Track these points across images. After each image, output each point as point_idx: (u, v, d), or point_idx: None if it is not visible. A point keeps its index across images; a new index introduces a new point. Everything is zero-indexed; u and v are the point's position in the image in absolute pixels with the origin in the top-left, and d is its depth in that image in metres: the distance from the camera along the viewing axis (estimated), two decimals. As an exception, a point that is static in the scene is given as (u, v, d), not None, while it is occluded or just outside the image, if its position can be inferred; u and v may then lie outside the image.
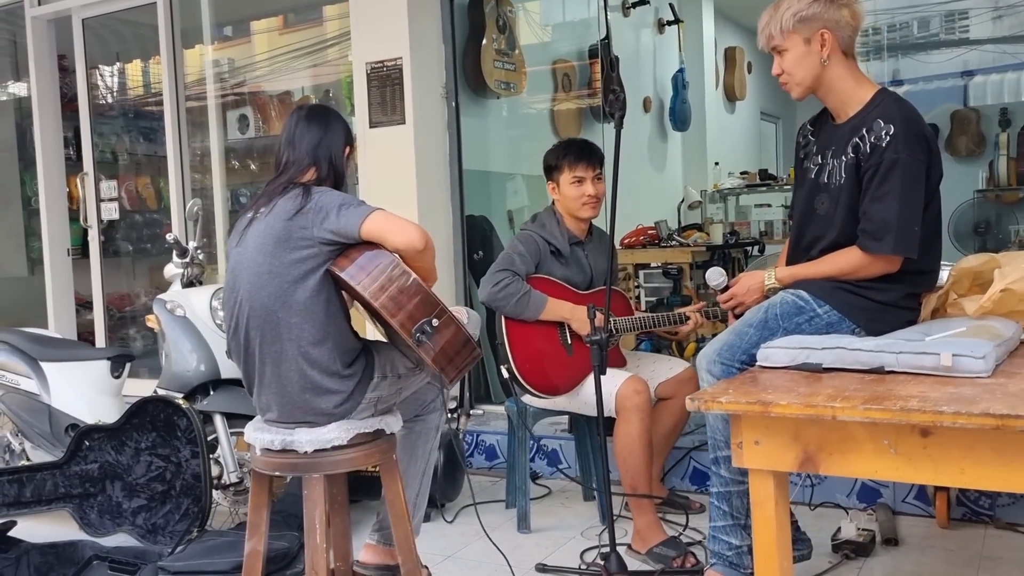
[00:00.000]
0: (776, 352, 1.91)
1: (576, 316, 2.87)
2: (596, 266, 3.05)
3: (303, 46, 4.99)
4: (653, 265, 5.16)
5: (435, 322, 2.03)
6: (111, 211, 5.10)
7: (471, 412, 3.68)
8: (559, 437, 3.66)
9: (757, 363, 1.95)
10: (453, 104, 4.11)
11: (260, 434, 2.12)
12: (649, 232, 5.35)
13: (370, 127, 3.99)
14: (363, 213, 2.03)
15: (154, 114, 5.29)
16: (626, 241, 5.33)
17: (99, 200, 5.12)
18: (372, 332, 2.50)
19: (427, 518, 3.18)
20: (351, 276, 2.05)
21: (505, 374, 2.87)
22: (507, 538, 3.01)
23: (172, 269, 3.23)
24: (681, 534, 2.89)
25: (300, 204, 2.07)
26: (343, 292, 2.19)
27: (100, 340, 5.07)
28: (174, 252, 3.18)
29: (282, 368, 2.08)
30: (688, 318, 2.98)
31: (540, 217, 3.05)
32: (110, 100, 5.68)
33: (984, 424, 1.42)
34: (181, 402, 2.71)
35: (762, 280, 2.26)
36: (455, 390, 3.54)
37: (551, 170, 3.03)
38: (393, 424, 2.21)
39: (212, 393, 3.02)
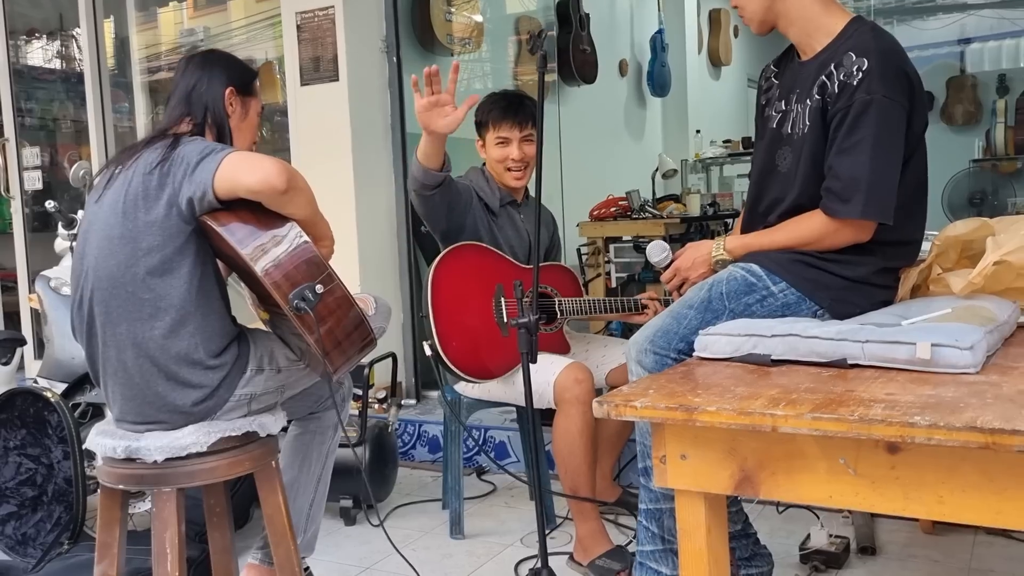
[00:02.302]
0: (717, 340, 1.55)
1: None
2: (535, 236, 2.69)
3: (276, 14, 4.62)
4: (625, 239, 4.80)
5: (319, 288, 1.66)
6: (34, 181, 4.72)
7: (403, 403, 3.32)
8: (508, 428, 3.32)
9: (695, 353, 1.59)
10: (395, 59, 3.71)
11: (102, 439, 1.76)
12: (620, 203, 4.96)
13: (301, 85, 3.61)
14: (217, 161, 1.66)
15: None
16: (596, 213, 4.95)
17: (22, 169, 4.74)
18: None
19: (352, 521, 2.84)
20: (229, 231, 1.67)
21: (428, 351, 2.51)
22: (437, 544, 2.68)
23: (60, 243, 2.86)
24: (631, 540, 2.55)
25: (162, 155, 1.72)
26: (218, 264, 1.83)
27: (25, 321, 4.71)
28: (59, 224, 2.80)
29: (129, 354, 1.72)
30: (645, 306, 2.62)
31: (468, 173, 2.72)
32: (53, 65, 5.31)
33: (969, 441, 1.07)
34: (51, 395, 2.35)
35: (709, 251, 1.89)
36: (386, 377, 3.18)
37: (479, 126, 2.68)
38: (269, 425, 1.85)
39: (103, 383, 2.66)
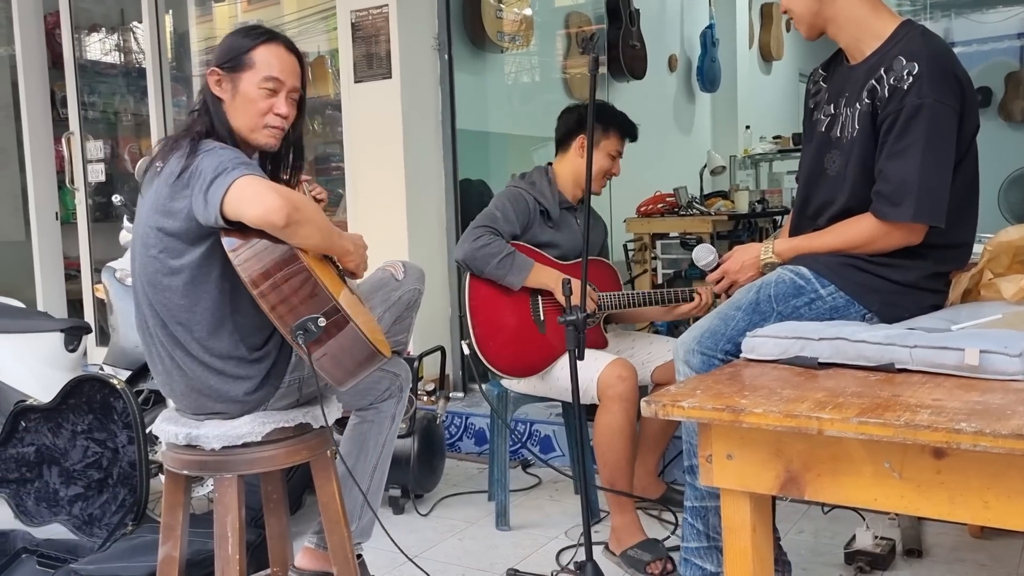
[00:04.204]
0: (764, 342, 1.57)
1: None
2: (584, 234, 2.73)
3: (329, 7, 4.71)
4: (672, 235, 4.80)
5: (321, 322, 1.68)
6: (97, 173, 4.87)
7: (450, 395, 3.38)
8: (553, 422, 3.36)
9: (742, 354, 1.61)
10: (446, 57, 3.77)
11: (166, 425, 1.84)
12: (667, 199, 4.97)
13: (355, 82, 3.68)
14: (225, 186, 1.63)
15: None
16: (643, 209, 4.96)
17: (86, 161, 4.89)
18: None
19: (401, 510, 2.91)
20: (232, 246, 1.69)
21: (466, 350, 2.57)
22: (483, 535, 2.74)
23: (125, 235, 2.96)
24: (673, 534, 2.58)
25: (183, 165, 1.72)
26: None
27: (88, 308, 4.87)
28: (124, 217, 2.90)
29: (178, 354, 1.80)
30: (695, 295, 2.63)
31: (531, 175, 2.75)
32: (115, 59, 5.46)
33: (1015, 448, 1.08)
34: (116, 382, 2.45)
35: (758, 254, 1.91)
36: (435, 370, 3.25)
37: (597, 129, 2.61)
38: (322, 417, 1.91)
39: (164, 371, 2.76)
